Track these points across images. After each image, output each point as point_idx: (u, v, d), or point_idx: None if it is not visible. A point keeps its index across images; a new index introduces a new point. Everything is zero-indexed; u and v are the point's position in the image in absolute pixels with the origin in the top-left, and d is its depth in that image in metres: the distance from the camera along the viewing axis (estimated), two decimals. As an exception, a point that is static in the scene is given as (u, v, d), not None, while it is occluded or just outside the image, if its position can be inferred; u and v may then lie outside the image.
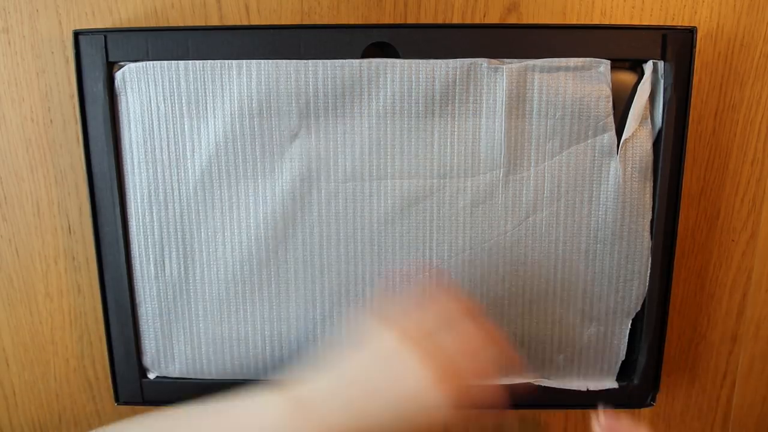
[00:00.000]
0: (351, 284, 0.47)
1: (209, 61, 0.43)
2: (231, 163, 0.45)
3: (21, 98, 0.48)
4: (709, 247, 0.52)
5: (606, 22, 0.47)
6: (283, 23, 0.47)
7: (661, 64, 0.44)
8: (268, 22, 0.47)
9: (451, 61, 0.43)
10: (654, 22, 0.47)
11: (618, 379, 0.49)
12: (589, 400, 0.49)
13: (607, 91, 0.44)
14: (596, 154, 0.45)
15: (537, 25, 0.45)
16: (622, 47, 0.44)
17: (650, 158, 0.45)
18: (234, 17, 0.47)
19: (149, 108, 0.45)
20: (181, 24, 0.47)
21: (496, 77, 0.43)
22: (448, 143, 0.44)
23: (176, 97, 0.45)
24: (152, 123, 0.45)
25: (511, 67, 0.43)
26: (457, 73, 0.43)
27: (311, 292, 0.48)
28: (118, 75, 0.45)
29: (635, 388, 0.49)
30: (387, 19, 0.47)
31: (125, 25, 0.47)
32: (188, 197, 0.46)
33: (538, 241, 0.46)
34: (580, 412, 0.57)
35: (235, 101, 0.44)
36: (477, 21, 0.47)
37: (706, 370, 0.56)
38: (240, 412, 0.36)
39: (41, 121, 0.49)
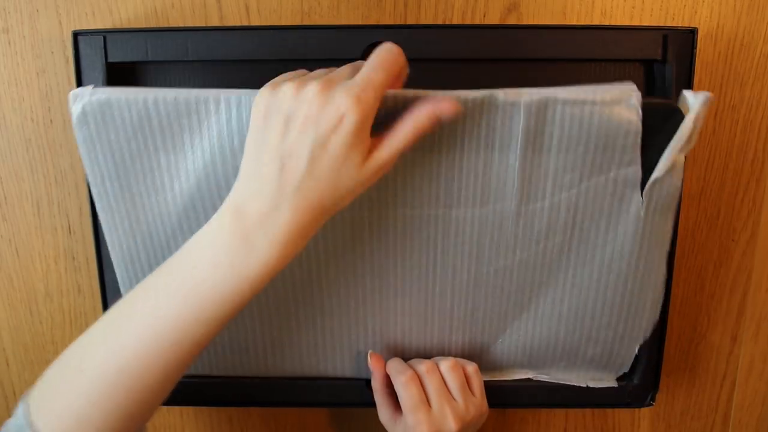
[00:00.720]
0: (352, 313, 0.46)
1: (183, 94, 0.39)
2: (216, 197, 0.42)
3: (21, 98, 0.48)
4: (709, 247, 0.52)
5: (606, 22, 0.47)
6: (283, 23, 0.47)
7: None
8: (269, 23, 0.47)
9: (463, 92, 0.38)
10: (654, 23, 0.47)
11: (618, 379, 0.49)
12: (588, 399, 0.49)
13: (636, 125, 0.39)
14: (618, 187, 0.42)
15: (537, 26, 0.45)
16: (623, 48, 0.44)
17: (678, 193, 0.42)
18: (234, 17, 0.47)
19: (117, 144, 0.41)
20: (181, 24, 0.47)
21: (513, 111, 0.39)
22: (455, 176, 0.42)
23: (148, 133, 0.41)
24: (123, 157, 0.41)
25: (530, 100, 0.38)
26: (469, 105, 0.39)
27: (312, 328, 0.47)
28: (76, 109, 0.40)
29: (635, 387, 0.49)
30: (387, 19, 0.47)
31: (125, 25, 0.47)
32: (173, 228, 0.43)
33: (547, 267, 0.44)
34: (580, 412, 0.57)
35: (215, 138, 0.40)
36: (477, 21, 0.47)
37: (706, 370, 0.56)
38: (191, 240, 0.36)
39: (41, 121, 0.49)
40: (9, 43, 0.48)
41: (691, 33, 0.44)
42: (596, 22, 0.47)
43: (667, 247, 0.44)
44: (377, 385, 0.46)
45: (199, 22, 0.47)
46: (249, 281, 0.34)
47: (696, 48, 0.44)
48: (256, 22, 0.47)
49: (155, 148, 0.41)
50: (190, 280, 0.34)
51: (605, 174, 0.41)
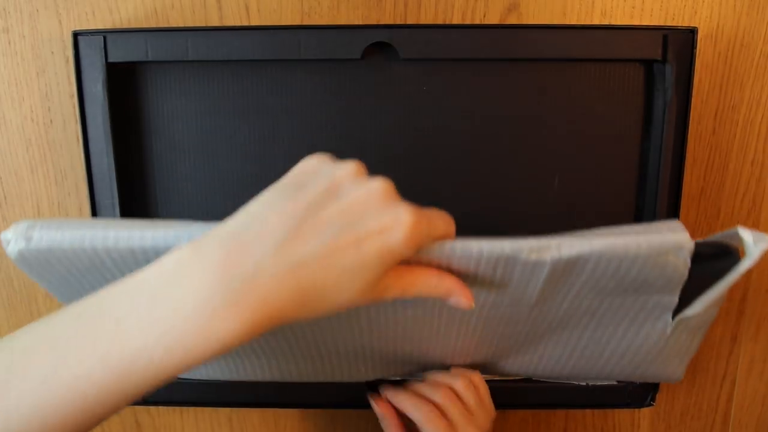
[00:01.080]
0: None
1: (131, 245, 0.32)
2: None
3: (21, 98, 0.48)
4: (709, 247, 0.52)
5: (606, 22, 0.47)
6: (283, 23, 0.47)
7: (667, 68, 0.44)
8: (269, 23, 0.47)
9: (475, 243, 0.31)
10: (654, 23, 0.47)
11: (618, 380, 0.49)
12: (588, 399, 0.49)
13: (683, 274, 0.33)
14: (648, 305, 0.37)
15: (536, 26, 0.45)
16: (623, 48, 0.44)
17: (711, 320, 0.38)
18: (234, 17, 0.47)
19: (70, 277, 0.34)
20: (181, 24, 0.47)
21: (536, 268, 0.32)
22: (453, 335, 0.39)
23: (103, 272, 0.33)
24: (81, 285, 0.35)
25: (559, 258, 0.32)
26: (482, 263, 0.32)
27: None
28: (11, 252, 0.32)
29: (635, 387, 0.49)
30: (387, 19, 0.47)
31: (125, 25, 0.47)
32: None
33: (551, 348, 0.42)
34: (580, 412, 0.57)
35: None
36: (477, 21, 0.47)
37: (706, 370, 0.56)
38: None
39: (41, 121, 0.49)
40: (9, 43, 0.48)
41: (691, 33, 0.44)
42: (596, 22, 0.47)
43: (690, 355, 0.41)
44: (391, 429, 0.45)
45: (199, 22, 0.47)
46: (209, 349, 0.26)
47: (696, 48, 0.44)
48: (256, 22, 0.47)
49: (113, 277, 0.33)
50: (118, 346, 0.25)
51: (636, 296, 0.36)
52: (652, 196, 0.46)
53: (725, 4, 0.47)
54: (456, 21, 0.47)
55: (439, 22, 0.47)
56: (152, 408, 0.56)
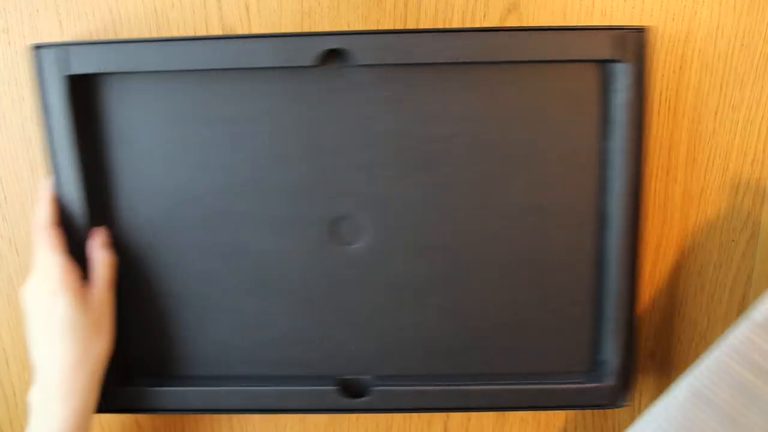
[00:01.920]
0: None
1: None
2: None
3: (21, 98, 0.49)
4: (708, 247, 0.52)
5: (606, 22, 0.47)
6: (283, 23, 0.47)
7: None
8: (269, 22, 0.47)
9: None
10: (654, 23, 0.47)
11: (590, 381, 0.49)
12: (560, 400, 0.49)
13: None
14: None
15: (492, 29, 0.44)
16: (579, 48, 0.44)
17: None
18: (234, 17, 0.47)
19: None
20: (181, 24, 0.47)
21: None
22: None
23: None
24: None
25: None
26: None
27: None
28: None
29: (607, 388, 0.49)
30: (387, 19, 0.47)
31: (125, 24, 0.47)
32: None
33: None
34: (580, 412, 0.57)
35: None
36: (477, 21, 0.47)
37: (706, 371, 0.56)
38: None
39: (41, 121, 0.49)
40: (9, 43, 0.48)
41: (642, 31, 0.44)
42: (596, 22, 0.47)
43: None
44: None
45: (199, 22, 0.47)
46: None
47: (649, 46, 0.44)
48: (255, 22, 0.47)
49: None
50: None
51: None
52: (614, 194, 0.46)
53: (725, 4, 0.47)
54: (456, 21, 0.47)
55: (439, 22, 0.47)
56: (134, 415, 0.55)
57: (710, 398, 0.40)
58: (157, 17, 0.47)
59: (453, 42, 0.43)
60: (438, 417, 0.54)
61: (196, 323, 0.49)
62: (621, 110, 0.44)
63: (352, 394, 0.49)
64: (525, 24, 0.47)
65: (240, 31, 0.47)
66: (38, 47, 0.43)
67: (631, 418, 0.57)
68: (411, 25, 0.47)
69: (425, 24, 0.47)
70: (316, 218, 0.47)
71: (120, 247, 0.47)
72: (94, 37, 0.47)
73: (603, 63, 0.45)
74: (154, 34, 0.47)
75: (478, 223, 0.47)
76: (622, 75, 0.44)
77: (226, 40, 0.43)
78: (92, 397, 0.44)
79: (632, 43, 0.43)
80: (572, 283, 0.48)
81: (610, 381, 0.48)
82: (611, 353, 0.48)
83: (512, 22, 0.47)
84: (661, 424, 0.41)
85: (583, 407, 0.51)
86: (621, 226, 0.46)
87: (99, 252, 0.46)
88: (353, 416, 0.56)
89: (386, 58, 0.43)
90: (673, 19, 0.47)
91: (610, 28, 0.44)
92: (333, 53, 0.44)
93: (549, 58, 0.44)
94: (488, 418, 0.54)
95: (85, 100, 0.45)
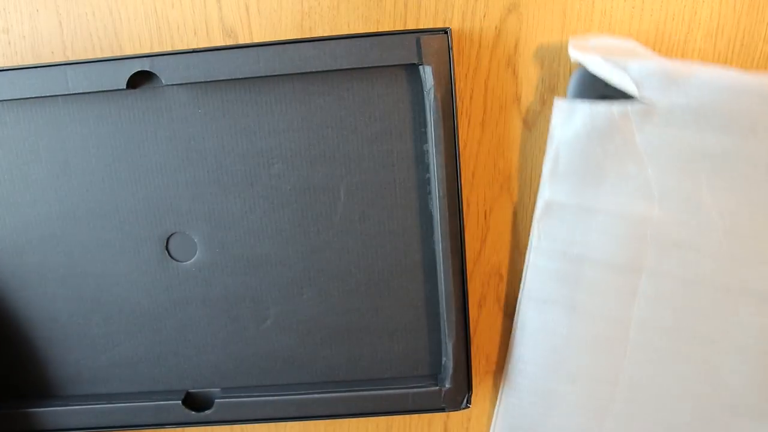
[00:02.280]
0: None
1: None
2: None
3: (21, 98, 0.49)
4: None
5: (606, 22, 0.47)
6: (283, 23, 0.47)
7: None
8: (269, 22, 0.47)
9: None
10: (654, 23, 0.47)
11: (430, 385, 0.50)
12: (399, 405, 0.50)
13: None
14: None
15: (295, 41, 0.44)
16: (383, 54, 0.44)
17: None
18: (234, 17, 0.47)
19: None
20: (181, 24, 0.47)
21: None
22: None
23: None
24: None
25: None
26: None
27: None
28: None
29: (446, 391, 0.49)
30: (387, 19, 0.47)
31: (125, 24, 0.47)
32: None
33: None
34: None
35: None
36: (477, 21, 0.47)
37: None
38: None
39: None
40: (9, 43, 0.48)
41: (445, 33, 0.44)
42: (596, 22, 0.47)
43: None
44: None
45: (199, 22, 0.47)
46: None
47: (452, 48, 0.44)
48: (255, 21, 0.47)
49: None
50: None
51: None
52: (437, 191, 0.46)
53: (725, 4, 0.47)
54: (456, 21, 0.47)
55: (440, 22, 0.47)
56: None
57: (544, 297, 0.47)
58: (157, 17, 0.47)
59: (258, 58, 0.44)
60: (438, 417, 0.54)
61: (48, 346, 0.50)
62: (430, 113, 0.45)
63: (198, 407, 0.50)
64: (525, 23, 0.47)
65: (240, 32, 0.47)
66: None
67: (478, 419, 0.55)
68: (411, 25, 0.47)
69: (425, 24, 0.47)
70: (148, 238, 0.48)
71: None
72: (95, 37, 0.48)
73: (411, 66, 0.45)
74: (154, 34, 0.48)
75: (308, 233, 0.48)
76: (426, 78, 0.44)
77: (37, 69, 0.44)
78: None
79: (432, 46, 0.44)
80: (406, 287, 0.49)
81: (448, 384, 0.48)
82: (447, 356, 0.48)
83: (512, 21, 0.47)
84: (524, 335, 0.49)
85: (424, 411, 0.50)
86: (443, 228, 0.46)
87: None
88: (348, 422, 0.56)
89: (191, 77, 0.44)
90: (673, 19, 0.47)
91: (410, 32, 0.44)
92: (142, 75, 0.44)
93: (357, 66, 0.44)
94: (488, 417, 0.55)
95: None
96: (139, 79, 0.45)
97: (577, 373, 0.48)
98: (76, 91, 0.45)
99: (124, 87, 0.44)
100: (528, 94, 0.49)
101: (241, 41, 0.47)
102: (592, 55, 0.43)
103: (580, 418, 0.49)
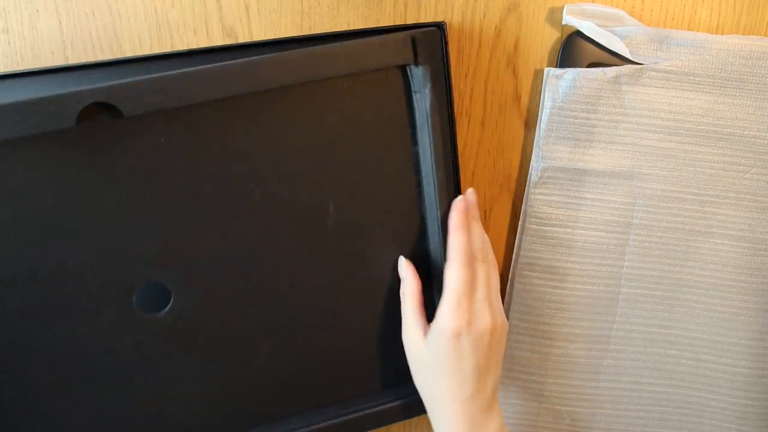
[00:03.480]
0: None
1: None
2: None
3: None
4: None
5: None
6: (283, 23, 0.47)
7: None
8: (269, 22, 0.47)
9: None
10: (654, 23, 0.47)
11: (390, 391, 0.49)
12: (371, 420, 0.49)
13: None
14: None
15: (276, 51, 0.41)
16: (375, 56, 0.41)
17: None
18: (234, 17, 0.47)
19: None
20: (181, 24, 0.47)
21: None
22: None
23: None
24: None
25: None
26: None
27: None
28: None
29: (415, 401, 0.47)
30: (387, 19, 0.47)
31: (125, 24, 0.47)
32: None
33: None
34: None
35: None
36: (477, 21, 0.47)
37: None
38: None
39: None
40: (9, 43, 0.48)
41: (439, 28, 0.42)
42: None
43: None
44: (412, 297, 0.45)
45: (199, 22, 0.47)
46: None
47: (447, 43, 0.43)
48: (255, 21, 0.47)
49: None
50: None
51: None
52: (432, 198, 0.45)
53: (725, 4, 0.47)
54: (456, 21, 0.47)
55: (440, 19, 0.47)
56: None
57: (532, 262, 0.49)
58: (157, 17, 0.47)
59: (232, 75, 0.39)
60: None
61: (28, 414, 0.44)
62: (423, 113, 0.43)
63: None
64: (525, 23, 0.47)
65: (240, 32, 0.47)
66: None
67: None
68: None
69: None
70: (115, 292, 0.42)
71: None
72: (95, 37, 0.48)
73: (402, 67, 0.43)
74: (155, 34, 0.47)
75: (298, 257, 0.45)
76: (419, 78, 0.43)
77: None
78: None
79: (424, 45, 0.42)
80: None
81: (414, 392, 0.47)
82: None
83: (512, 21, 0.47)
84: (519, 293, 0.50)
85: (396, 420, 0.50)
86: (436, 232, 0.46)
87: None
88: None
89: (154, 104, 0.38)
90: (673, 18, 0.47)
91: (403, 27, 0.42)
92: (94, 108, 0.38)
93: (347, 72, 0.41)
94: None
95: None
96: (93, 112, 0.38)
97: (573, 333, 0.50)
98: (19, 135, 0.37)
99: (75, 124, 0.37)
100: (528, 94, 0.49)
101: (241, 41, 0.47)
102: (586, 20, 0.45)
103: (576, 381, 0.51)
